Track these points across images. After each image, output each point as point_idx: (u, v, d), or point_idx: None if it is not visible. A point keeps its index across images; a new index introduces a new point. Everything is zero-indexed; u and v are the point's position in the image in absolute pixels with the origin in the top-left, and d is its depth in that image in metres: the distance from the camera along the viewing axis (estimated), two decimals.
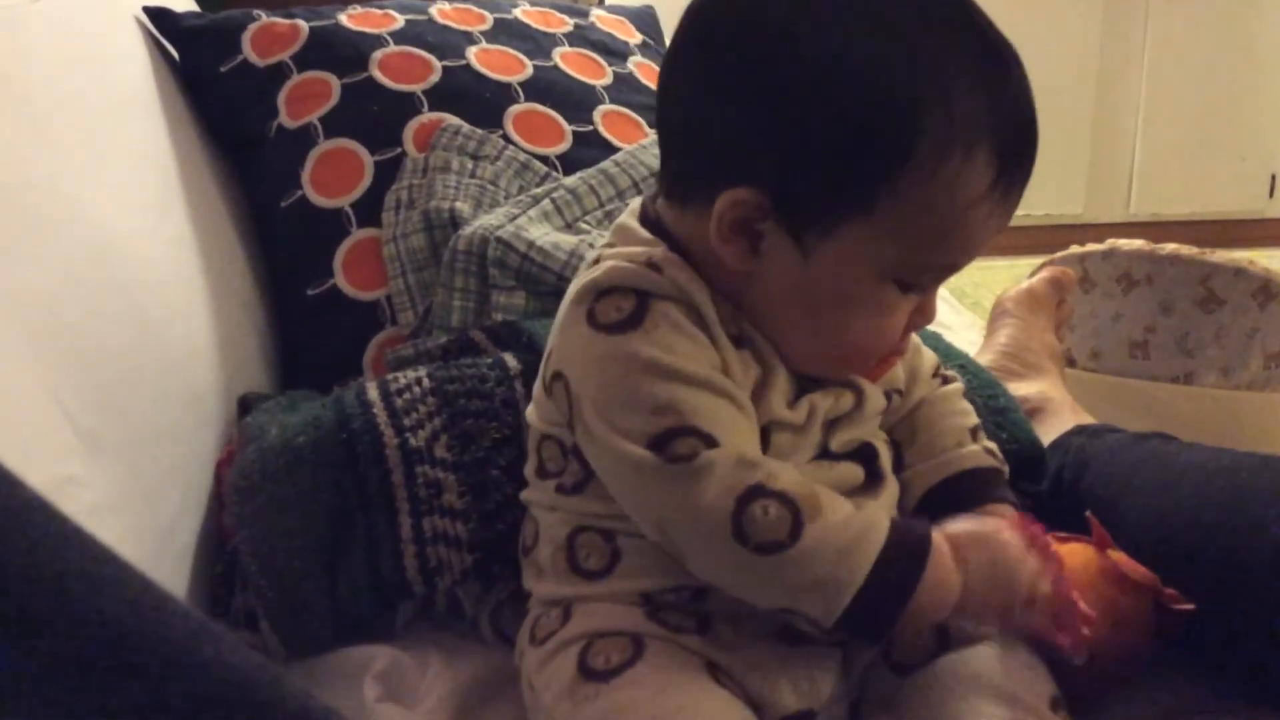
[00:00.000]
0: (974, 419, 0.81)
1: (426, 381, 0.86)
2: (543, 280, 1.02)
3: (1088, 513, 0.78)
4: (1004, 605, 0.63)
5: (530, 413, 0.75)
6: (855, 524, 0.61)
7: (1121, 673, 0.74)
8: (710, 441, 0.61)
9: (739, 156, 0.64)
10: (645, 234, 0.69)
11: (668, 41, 1.62)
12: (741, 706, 0.64)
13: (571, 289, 0.68)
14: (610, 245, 0.72)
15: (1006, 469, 0.79)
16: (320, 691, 0.76)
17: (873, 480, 0.73)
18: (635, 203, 0.74)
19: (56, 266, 0.77)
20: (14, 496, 0.38)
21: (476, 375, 0.86)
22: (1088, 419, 1.04)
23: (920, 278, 0.66)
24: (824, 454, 0.71)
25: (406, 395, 0.85)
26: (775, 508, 0.59)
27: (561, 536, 0.70)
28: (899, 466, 0.77)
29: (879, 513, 0.63)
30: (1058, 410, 1.05)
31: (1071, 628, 0.64)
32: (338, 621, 0.80)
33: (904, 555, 0.61)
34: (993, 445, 0.80)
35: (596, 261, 0.70)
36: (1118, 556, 0.75)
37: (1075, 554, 0.75)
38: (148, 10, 1.23)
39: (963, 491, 0.76)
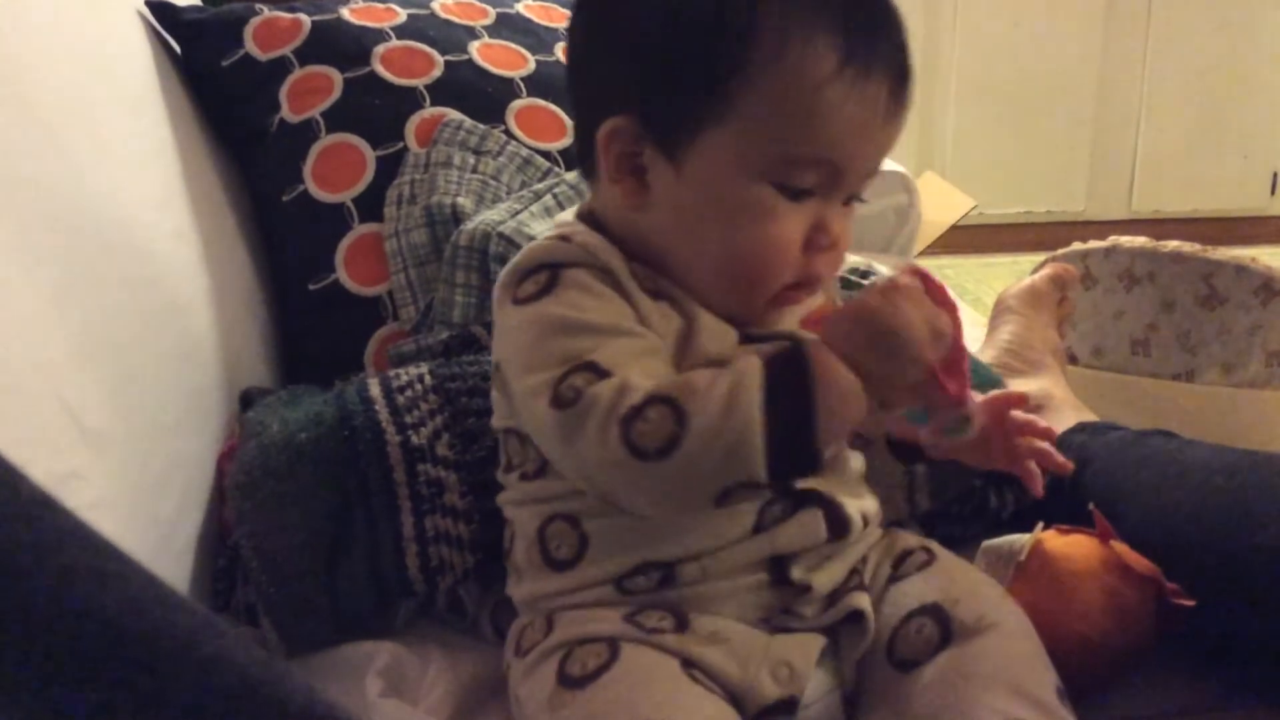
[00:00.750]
0: None
1: (428, 379, 0.86)
2: None
3: (1091, 505, 0.78)
4: (907, 365, 0.63)
5: (494, 417, 0.76)
6: (726, 378, 0.61)
7: (1124, 664, 0.74)
8: (600, 373, 0.62)
9: (607, 91, 0.69)
10: (567, 218, 0.74)
11: None
12: (719, 701, 0.64)
13: (500, 275, 0.71)
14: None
15: None
16: (322, 687, 0.76)
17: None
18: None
19: (58, 261, 0.77)
20: (18, 493, 0.38)
21: (478, 373, 0.86)
22: (1090, 416, 1.04)
23: (793, 177, 0.66)
24: None
25: (408, 392, 0.85)
26: (653, 411, 0.60)
27: (532, 531, 0.71)
28: None
29: (747, 356, 0.63)
30: (1059, 407, 1.05)
31: (958, 374, 0.64)
32: (338, 618, 0.80)
33: (786, 376, 0.61)
34: None
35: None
36: (1120, 548, 0.75)
37: (1079, 545, 0.76)
38: (150, 4, 1.23)
39: None
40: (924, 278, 0.66)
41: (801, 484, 0.69)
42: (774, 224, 0.66)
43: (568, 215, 0.75)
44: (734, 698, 0.65)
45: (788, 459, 0.60)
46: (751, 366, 0.61)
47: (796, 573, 0.69)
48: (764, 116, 0.64)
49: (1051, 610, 0.72)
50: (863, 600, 0.70)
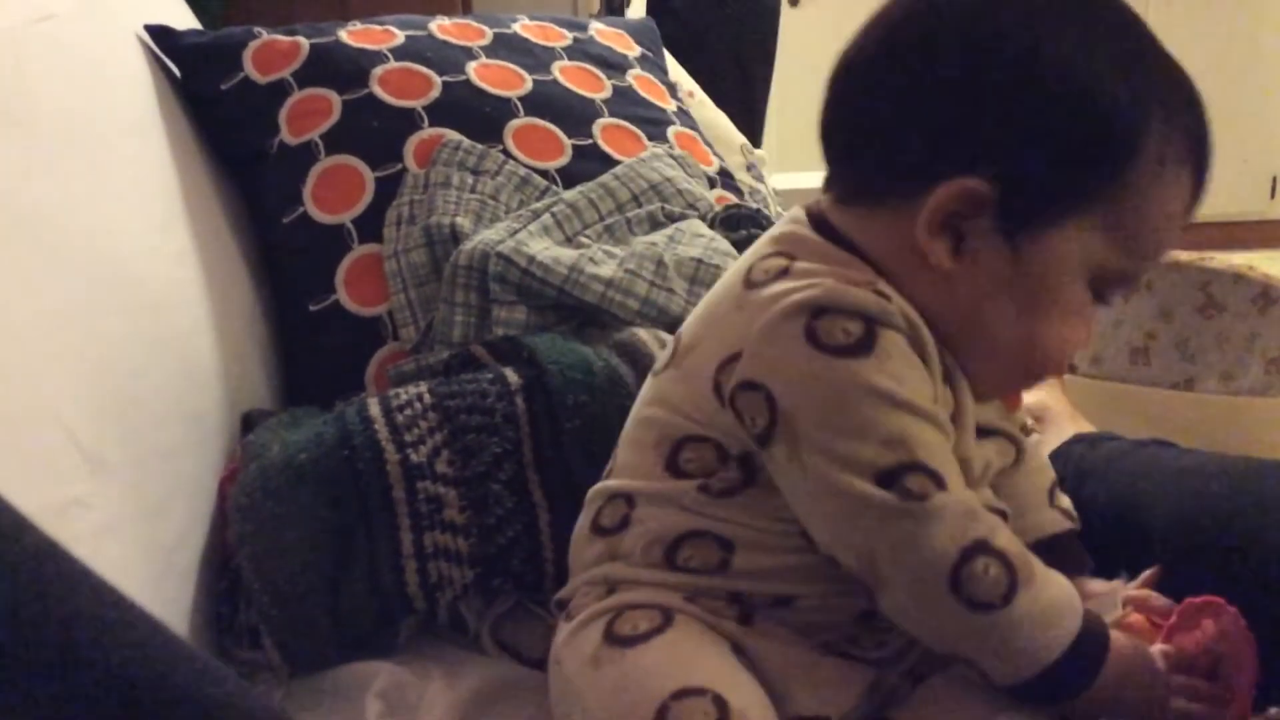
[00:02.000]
0: (1052, 475, 0.80)
1: (428, 397, 0.86)
2: (543, 295, 1.03)
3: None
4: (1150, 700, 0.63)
5: (655, 411, 0.71)
6: (1060, 601, 0.62)
7: None
8: (939, 481, 0.60)
9: (965, 147, 0.64)
10: (835, 250, 0.67)
11: (666, 53, 1.61)
12: (761, 691, 0.64)
13: (772, 298, 0.64)
14: (781, 255, 0.68)
15: (1079, 526, 0.79)
16: (322, 709, 0.77)
17: None
18: (795, 211, 0.71)
19: (59, 286, 0.77)
20: (24, 540, 0.38)
21: (477, 391, 0.86)
22: (1087, 427, 1.04)
23: (1113, 286, 0.67)
24: None
25: (407, 411, 0.85)
26: (995, 568, 0.59)
27: (670, 535, 0.68)
28: None
29: (1075, 593, 0.64)
30: (1057, 419, 1.05)
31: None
32: (340, 637, 0.80)
33: (1092, 643, 0.62)
34: (1067, 503, 0.79)
35: (784, 272, 0.66)
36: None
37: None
38: (149, 28, 1.23)
39: (1046, 561, 0.74)
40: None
41: None
42: (1080, 323, 0.67)
43: (803, 229, 0.69)
44: (774, 695, 0.65)
45: (1030, 690, 0.61)
46: (1076, 610, 0.62)
47: (883, 620, 0.67)
48: (1122, 227, 0.64)
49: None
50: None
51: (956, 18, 0.65)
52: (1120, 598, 0.72)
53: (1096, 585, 0.75)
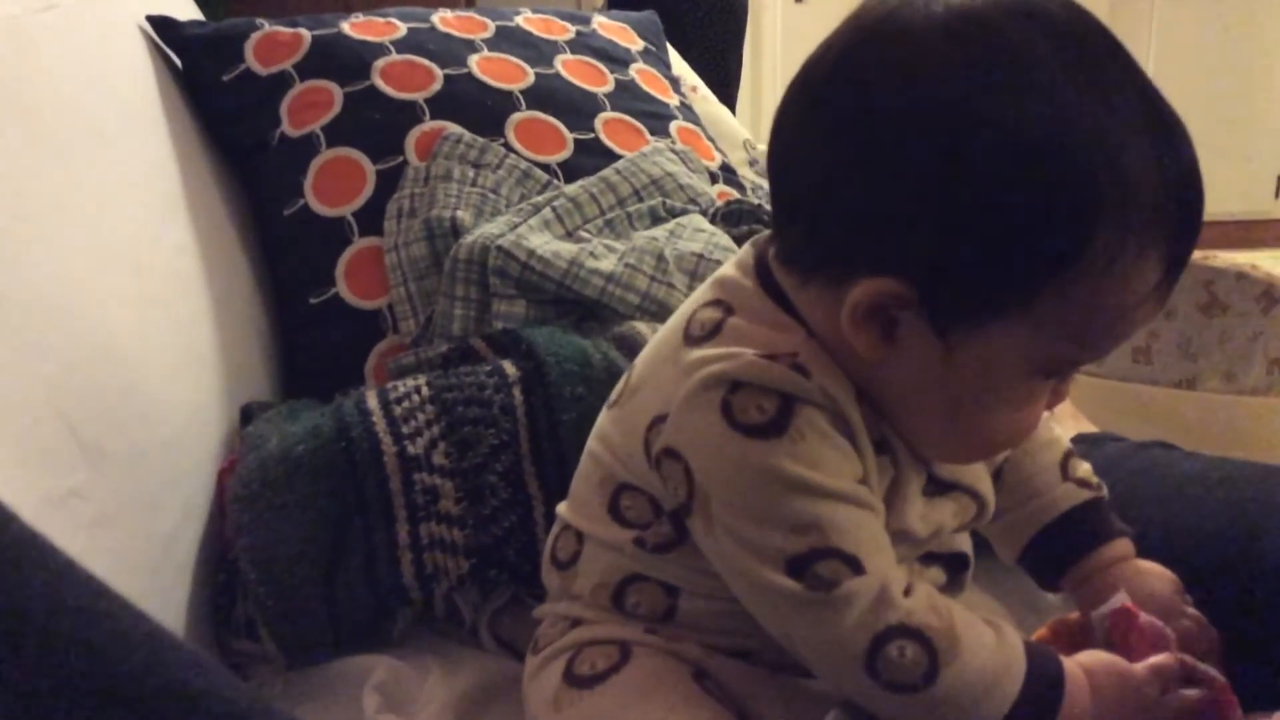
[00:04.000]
0: (1064, 446, 0.76)
1: (425, 390, 0.86)
2: (543, 289, 1.02)
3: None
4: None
5: (600, 450, 0.69)
6: (991, 669, 0.58)
7: None
8: (854, 565, 0.57)
9: (883, 242, 0.57)
10: (773, 310, 0.63)
11: (669, 48, 1.61)
12: (727, 714, 0.63)
13: (696, 363, 0.61)
14: (720, 305, 0.64)
15: (1104, 491, 0.75)
16: (320, 702, 0.77)
17: (953, 586, 0.70)
18: (741, 252, 0.68)
19: (57, 276, 0.77)
20: (7, 532, 0.38)
21: (475, 383, 0.86)
22: (1089, 427, 1.04)
23: (1068, 370, 0.62)
24: (923, 557, 0.68)
25: (405, 403, 0.85)
26: (912, 649, 0.57)
27: (614, 579, 0.67)
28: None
29: (1015, 651, 0.60)
30: (1059, 418, 1.04)
31: None
32: (337, 629, 0.80)
33: (1040, 693, 0.59)
34: (1085, 470, 0.75)
35: (717, 328, 0.63)
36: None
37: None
38: (151, 19, 1.23)
39: (1067, 538, 0.73)
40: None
41: None
42: (1032, 408, 0.62)
43: (745, 280, 0.65)
44: (742, 715, 0.64)
45: None
46: (1014, 673, 0.58)
47: None
48: (1070, 321, 0.57)
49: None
50: None
51: (881, 90, 0.57)
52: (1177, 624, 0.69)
53: (1144, 580, 0.72)
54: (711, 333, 0.63)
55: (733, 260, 0.67)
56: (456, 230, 1.09)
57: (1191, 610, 0.70)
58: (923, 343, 0.58)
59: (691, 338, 0.63)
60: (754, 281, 0.64)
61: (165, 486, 0.83)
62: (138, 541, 0.76)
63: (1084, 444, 0.97)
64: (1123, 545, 0.74)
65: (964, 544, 0.71)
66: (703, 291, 0.67)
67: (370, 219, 1.15)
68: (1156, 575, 0.72)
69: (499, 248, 1.03)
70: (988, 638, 0.59)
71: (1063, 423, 1.03)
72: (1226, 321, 1.24)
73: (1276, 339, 1.23)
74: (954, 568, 0.70)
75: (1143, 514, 0.82)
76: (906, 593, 0.58)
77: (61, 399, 0.71)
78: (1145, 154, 0.55)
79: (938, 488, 0.66)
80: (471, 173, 1.16)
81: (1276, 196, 3.68)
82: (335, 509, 0.81)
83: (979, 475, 0.69)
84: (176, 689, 0.38)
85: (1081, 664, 0.61)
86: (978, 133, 0.54)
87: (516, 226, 1.08)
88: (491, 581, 0.83)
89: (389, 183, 1.16)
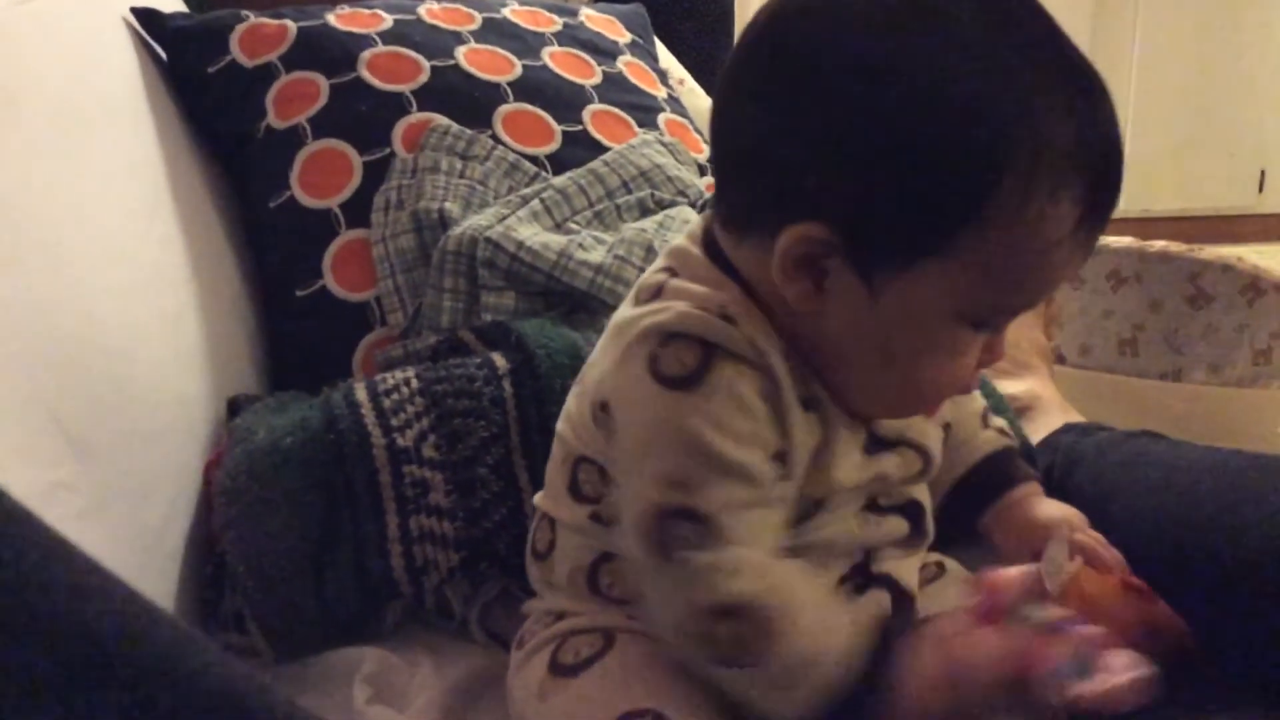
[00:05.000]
0: (981, 402, 0.81)
1: (415, 382, 0.86)
2: (532, 280, 1.02)
3: (1123, 575, 0.75)
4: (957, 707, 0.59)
5: (564, 428, 0.71)
6: (813, 648, 0.59)
7: None
8: (714, 535, 0.58)
9: (807, 190, 0.59)
10: (712, 269, 0.65)
11: (658, 41, 1.61)
12: (713, 694, 0.63)
13: (634, 320, 0.63)
14: (669, 271, 0.67)
15: (1016, 442, 0.80)
16: (310, 694, 0.76)
17: (916, 533, 0.71)
18: (694, 221, 0.69)
19: (45, 270, 0.77)
20: None
21: (465, 375, 0.86)
22: (1077, 417, 1.04)
23: (996, 318, 0.62)
24: (871, 507, 0.69)
25: (394, 396, 0.85)
26: (744, 626, 0.58)
27: (586, 561, 0.68)
28: None
29: (841, 634, 0.60)
30: (1047, 408, 1.05)
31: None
32: (326, 622, 0.80)
33: (859, 689, 0.59)
34: (1001, 423, 0.80)
35: (659, 290, 0.65)
36: (1161, 610, 0.73)
37: (1114, 595, 0.73)
38: (135, 11, 1.22)
39: (988, 480, 0.77)
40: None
41: (878, 566, 0.68)
42: (961, 358, 0.62)
43: (692, 246, 0.67)
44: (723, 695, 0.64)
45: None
46: (836, 656, 0.59)
47: None
48: (988, 264, 0.58)
49: None
50: None
51: (800, 43, 0.59)
52: (1075, 538, 0.72)
53: (1038, 508, 0.75)
54: (654, 295, 0.65)
55: (688, 229, 0.70)
56: (444, 222, 1.09)
57: (1092, 532, 0.74)
58: (851, 291, 0.60)
59: (637, 302, 0.66)
60: (699, 246, 0.66)
61: (152, 479, 0.82)
62: (125, 534, 0.75)
63: (1072, 433, 0.97)
64: (1035, 487, 0.77)
65: (919, 493, 0.72)
66: (656, 262, 0.69)
67: (357, 211, 1.14)
68: (1057, 505, 0.76)
69: (488, 239, 1.03)
70: (825, 610, 0.61)
71: (1051, 413, 1.04)
72: (1212, 314, 1.24)
73: (1262, 331, 1.23)
74: (913, 516, 0.71)
75: (1131, 502, 0.83)
76: (761, 574, 0.59)
77: (48, 391, 0.70)
78: (1057, 103, 0.57)
79: (880, 444, 0.67)
80: (459, 164, 1.16)
81: (1260, 191, 3.70)
82: (324, 502, 0.80)
83: (925, 431, 0.70)
84: (171, 666, 0.37)
85: (914, 639, 0.61)
86: (894, 80, 0.56)
87: (505, 218, 1.07)
88: (482, 574, 0.83)
89: (376, 174, 1.15)
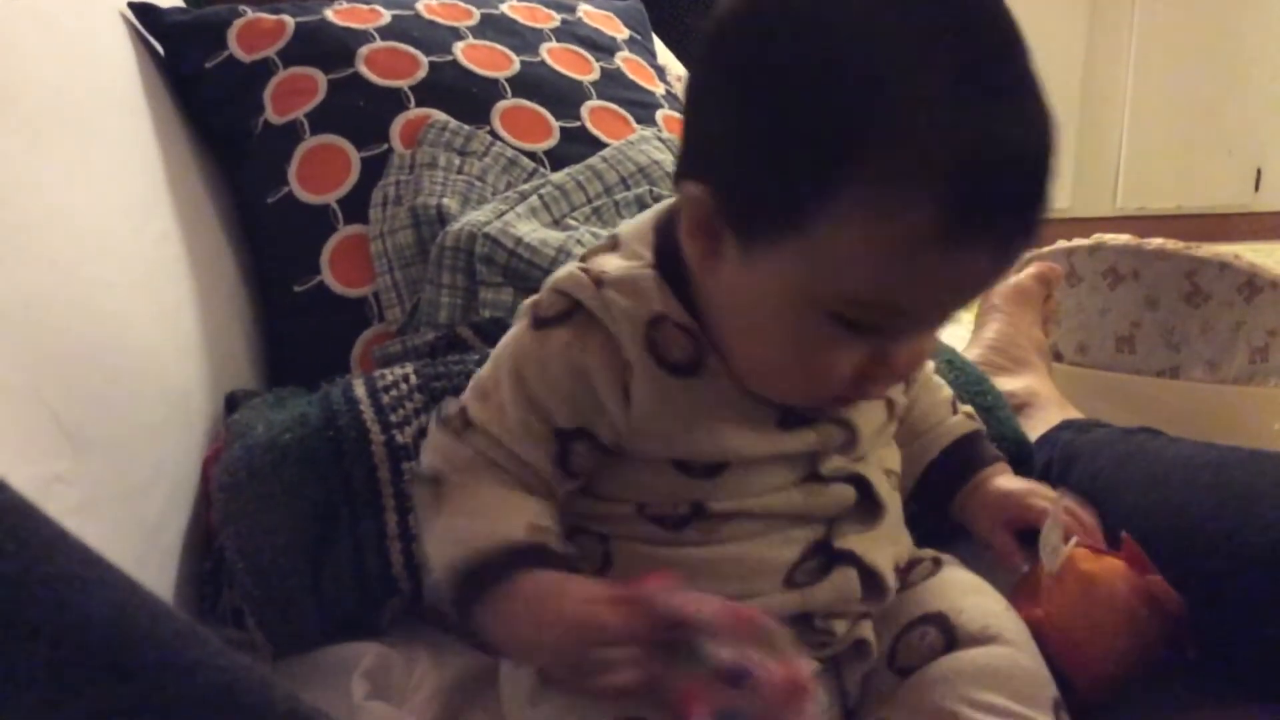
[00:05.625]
0: (948, 391, 0.82)
1: (414, 379, 0.86)
2: (530, 277, 1.02)
3: (1124, 534, 0.76)
4: (537, 646, 0.61)
5: None
6: (463, 530, 0.64)
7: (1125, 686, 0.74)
8: (462, 427, 0.67)
9: (701, 151, 0.62)
10: (645, 237, 0.68)
11: (654, 36, 1.61)
12: None
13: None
14: (612, 240, 0.71)
15: (982, 426, 0.82)
16: (308, 689, 0.76)
17: (869, 505, 0.70)
18: (664, 204, 0.70)
19: (42, 264, 0.77)
20: (0, 498, 0.38)
21: (463, 372, 0.86)
22: (1074, 414, 1.04)
23: (863, 317, 0.58)
24: (813, 478, 0.68)
25: (393, 392, 0.85)
26: (424, 491, 0.66)
27: None
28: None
29: (501, 527, 0.63)
30: (1045, 405, 1.05)
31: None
32: (324, 618, 0.80)
33: (481, 578, 0.61)
34: (969, 409, 0.82)
35: (588, 257, 0.71)
36: (1154, 582, 0.74)
37: (1113, 570, 0.74)
38: (133, 6, 1.22)
39: (953, 464, 0.79)
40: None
41: (839, 543, 0.68)
42: (825, 354, 0.60)
43: (646, 223, 0.69)
44: None
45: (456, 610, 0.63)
46: (480, 543, 0.62)
47: (819, 621, 0.67)
48: (843, 255, 0.55)
49: (1072, 629, 0.71)
50: (867, 630, 0.70)
51: (724, 18, 0.60)
52: (1062, 506, 0.74)
53: (1006, 482, 0.77)
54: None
55: None
56: (443, 218, 1.09)
57: (1067, 501, 0.75)
58: (734, 260, 0.60)
59: None
60: (653, 224, 0.69)
61: (150, 474, 0.82)
62: (123, 529, 0.75)
63: (1070, 431, 0.97)
64: (1002, 467, 0.80)
65: (864, 468, 0.70)
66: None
67: (355, 206, 1.14)
68: (1021, 479, 0.78)
69: (486, 235, 1.03)
70: (494, 507, 0.64)
71: (1049, 410, 1.04)
72: (1209, 311, 1.24)
73: (1259, 328, 1.23)
74: (860, 487, 0.70)
75: (1129, 499, 0.83)
76: (462, 467, 0.66)
77: (45, 386, 0.70)
78: (943, 94, 0.52)
79: (798, 420, 0.67)
80: (457, 160, 1.15)
81: (1256, 189, 3.71)
82: (322, 498, 0.80)
83: (856, 407, 0.69)
84: (173, 659, 0.37)
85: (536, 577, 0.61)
86: (773, 41, 0.56)
87: (503, 214, 1.07)
88: None
89: (374, 170, 1.15)
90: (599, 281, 0.65)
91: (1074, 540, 0.74)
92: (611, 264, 0.67)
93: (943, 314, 0.61)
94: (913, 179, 0.52)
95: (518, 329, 0.68)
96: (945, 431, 0.80)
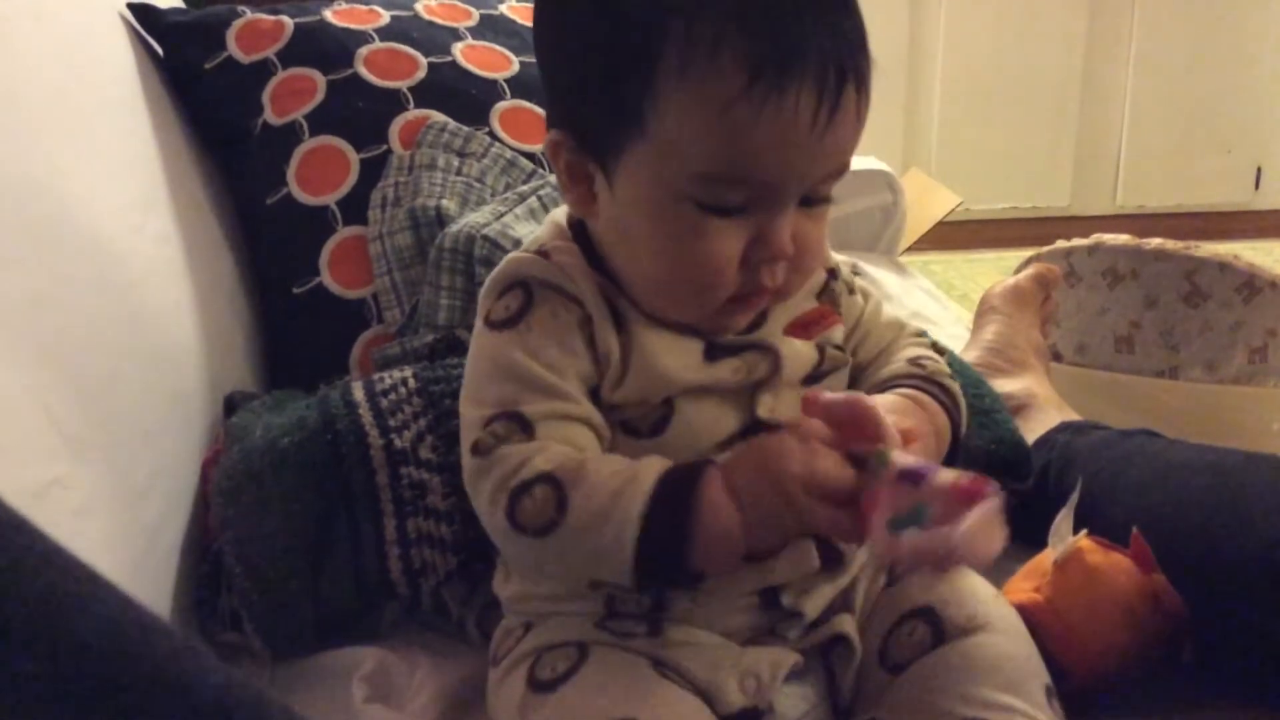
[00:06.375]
0: (916, 350, 0.78)
1: (412, 382, 0.86)
2: None
3: (1135, 530, 0.76)
4: (785, 506, 0.60)
5: None
6: (617, 479, 0.61)
7: (1122, 680, 0.75)
8: (525, 429, 0.63)
9: (552, 102, 0.69)
10: (557, 222, 0.72)
11: None
12: (690, 697, 0.64)
13: (485, 282, 0.71)
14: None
15: (928, 371, 0.76)
16: (308, 692, 0.76)
17: None
18: None
19: (41, 266, 0.77)
20: None
21: (462, 375, 0.85)
22: (1073, 415, 1.04)
23: (716, 196, 0.62)
24: (754, 425, 0.68)
25: (392, 396, 0.85)
26: (540, 490, 0.61)
27: None
28: None
29: (648, 464, 0.62)
30: (1043, 407, 1.05)
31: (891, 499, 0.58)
32: (321, 622, 0.80)
33: (673, 502, 0.60)
34: (930, 356, 0.77)
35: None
36: (1158, 580, 0.74)
37: (1118, 566, 0.75)
38: (132, 6, 1.22)
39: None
40: (852, 407, 0.62)
41: None
42: (702, 243, 0.62)
43: (559, 214, 0.73)
44: (704, 696, 0.65)
45: (657, 576, 0.61)
46: (645, 477, 0.61)
47: (786, 599, 0.68)
48: (675, 138, 0.60)
49: (1073, 622, 0.72)
50: (847, 624, 0.70)
51: None
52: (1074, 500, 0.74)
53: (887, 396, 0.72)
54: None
55: None
56: (442, 219, 1.09)
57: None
58: (604, 190, 0.66)
59: None
60: (564, 210, 0.73)
61: (149, 477, 0.82)
62: (121, 532, 0.75)
63: (1068, 432, 0.97)
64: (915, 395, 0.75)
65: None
66: None
67: (354, 208, 1.14)
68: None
69: (485, 237, 1.03)
70: (617, 464, 0.62)
71: (1047, 411, 1.04)
72: (1208, 311, 1.24)
73: (1258, 329, 1.23)
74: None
75: (1127, 500, 0.83)
76: (558, 454, 0.63)
77: (43, 389, 0.70)
78: None
79: (722, 350, 0.68)
80: (456, 161, 1.15)
81: (1256, 188, 3.70)
82: (321, 502, 0.80)
83: (775, 334, 0.70)
84: (168, 676, 0.37)
85: (722, 462, 0.62)
86: None
87: (502, 215, 1.07)
88: (478, 576, 0.83)
89: (373, 171, 1.15)
90: (542, 253, 0.69)
91: (1083, 532, 0.76)
92: (534, 240, 0.72)
93: (798, 179, 0.62)
94: (711, 46, 0.59)
95: (488, 344, 0.67)
96: (881, 376, 0.76)
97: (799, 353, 0.70)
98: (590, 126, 0.65)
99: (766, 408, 0.68)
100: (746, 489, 0.60)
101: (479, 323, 0.69)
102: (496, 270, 0.70)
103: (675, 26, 0.59)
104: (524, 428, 0.63)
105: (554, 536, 0.60)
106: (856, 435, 0.61)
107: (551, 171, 1.17)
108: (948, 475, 0.58)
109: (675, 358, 0.67)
